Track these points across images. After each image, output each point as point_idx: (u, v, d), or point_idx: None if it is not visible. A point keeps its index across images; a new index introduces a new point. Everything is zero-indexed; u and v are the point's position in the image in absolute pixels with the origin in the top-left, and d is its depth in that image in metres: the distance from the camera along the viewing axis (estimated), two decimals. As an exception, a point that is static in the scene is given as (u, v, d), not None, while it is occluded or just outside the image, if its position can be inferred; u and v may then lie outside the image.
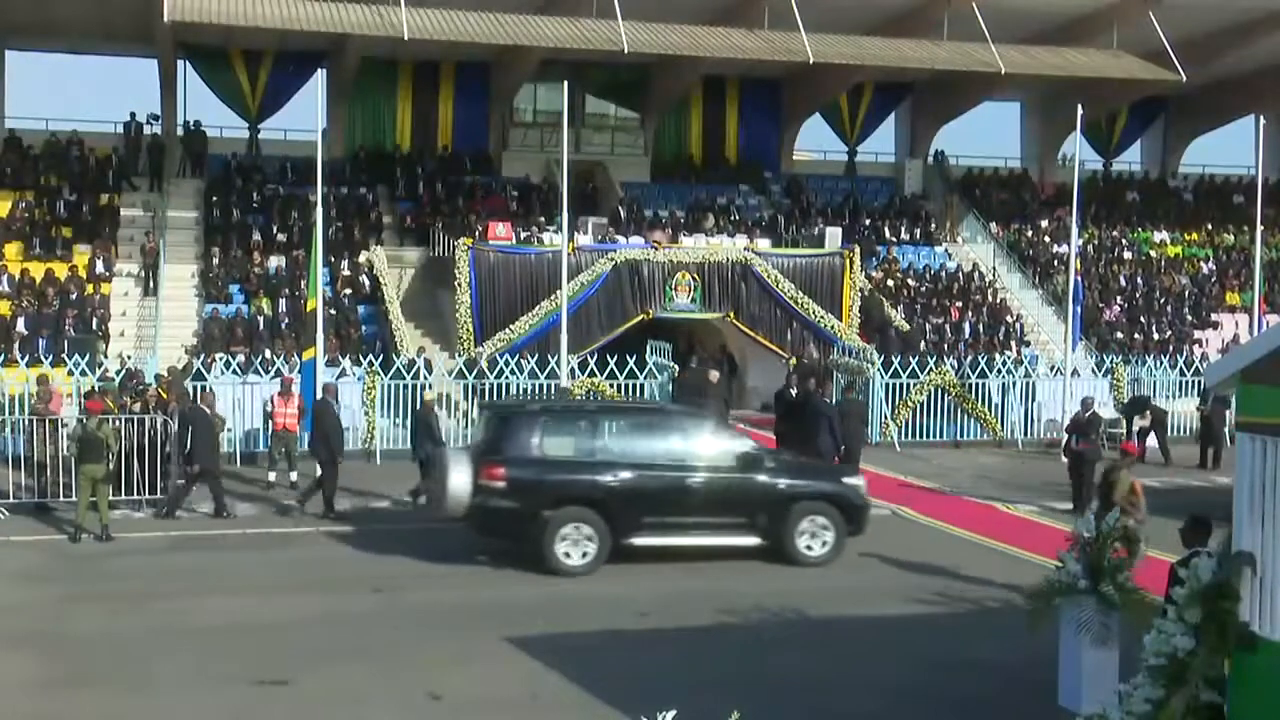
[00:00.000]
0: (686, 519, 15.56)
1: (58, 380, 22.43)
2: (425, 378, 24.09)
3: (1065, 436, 21.50)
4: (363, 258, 32.26)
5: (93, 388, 21.25)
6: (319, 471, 19.00)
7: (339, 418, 19.73)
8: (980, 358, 29.24)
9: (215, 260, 31.80)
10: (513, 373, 24.89)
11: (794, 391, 22.67)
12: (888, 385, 26.85)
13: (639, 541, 15.39)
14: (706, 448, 15.96)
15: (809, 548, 15.79)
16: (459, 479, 15.15)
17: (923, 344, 32.35)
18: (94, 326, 28.58)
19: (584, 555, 15.11)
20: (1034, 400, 27.83)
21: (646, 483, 15.43)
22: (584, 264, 29.17)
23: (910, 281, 35.89)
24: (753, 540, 15.73)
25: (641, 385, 25.55)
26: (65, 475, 18.03)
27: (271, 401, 21.54)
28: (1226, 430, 24.46)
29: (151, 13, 30.75)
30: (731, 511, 15.57)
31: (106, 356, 25.90)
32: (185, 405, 19.33)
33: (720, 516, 15.64)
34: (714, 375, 24.92)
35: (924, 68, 36.74)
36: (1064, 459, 21.88)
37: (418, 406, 21.57)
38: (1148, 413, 25.92)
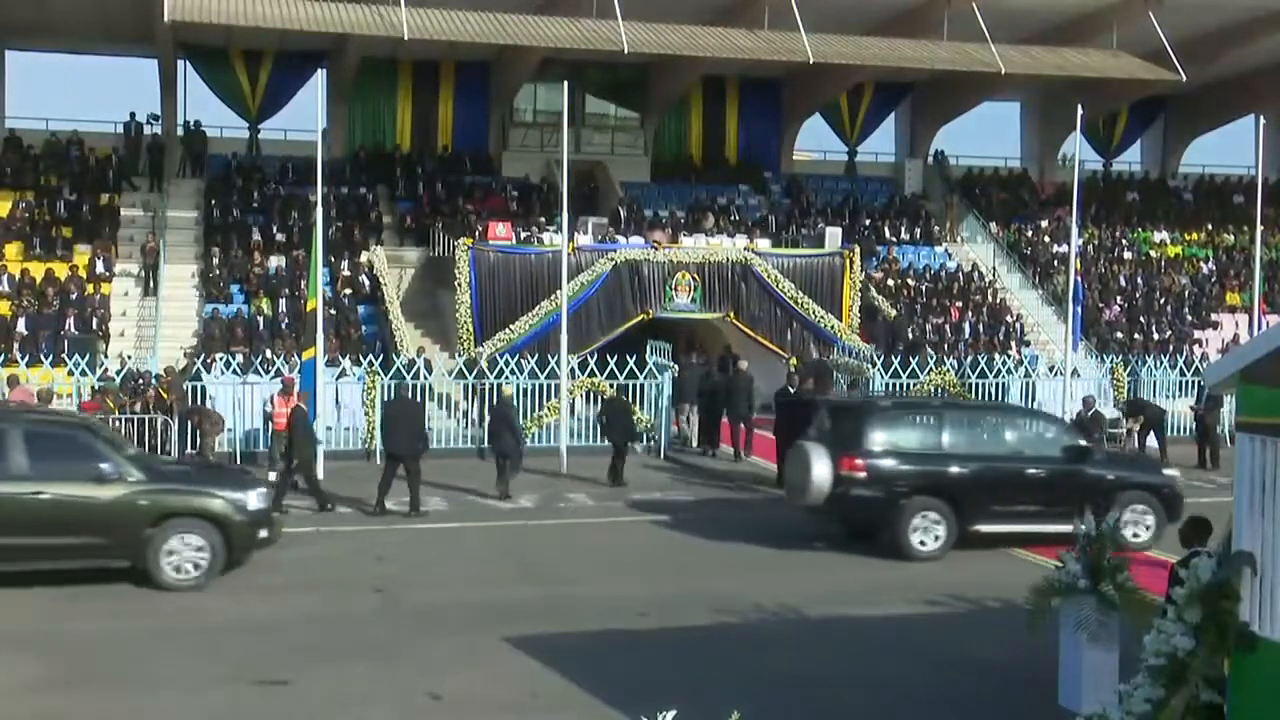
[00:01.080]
0: (1024, 508, 16.60)
1: (33, 380, 22.31)
2: (504, 374, 24.35)
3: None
4: (363, 258, 32.27)
5: (93, 388, 21.28)
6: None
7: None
8: (980, 358, 29.24)
9: (215, 260, 31.80)
10: (513, 373, 24.88)
11: (793, 390, 22.75)
12: (888, 385, 26.84)
13: (983, 529, 16.38)
14: (1040, 441, 17.13)
15: (1135, 535, 16.59)
16: (821, 470, 16.17)
17: (911, 331, 32.53)
18: (94, 326, 28.60)
19: (936, 540, 16.16)
20: (1034, 400, 27.82)
21: (989, 474, 16.53)
22: (584, 264, 29.17)
23: (910, 281, 35.89)
24: None
25: (641, 385, 25.55)
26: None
27: (272, 401, 21.55)
28: (1224, 430, 24.50)
29: (151, 13, 30.75)
30: (1063, 500, 16.02)
31: (106, 356, 25.92)
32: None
33: (1053, 505, 16.24)
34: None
35: (924, 68, 36.74)
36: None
37: (495, 401, 22.18)
38: (1141, 416, 25.92)
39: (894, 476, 16.23)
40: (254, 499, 14.77)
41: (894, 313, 32.68)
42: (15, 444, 13.86)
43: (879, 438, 16.43)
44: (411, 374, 24.37)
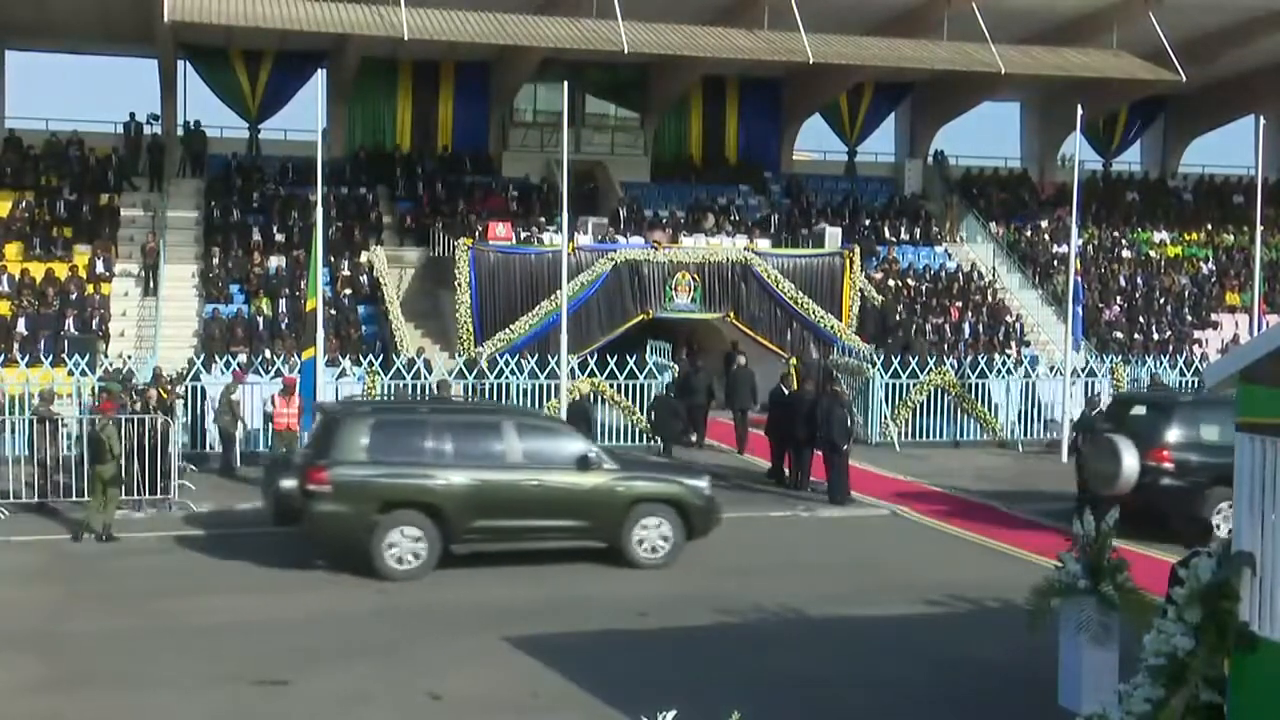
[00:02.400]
0: None
1: (33, 380, 22.33)
2: (576, 372, 24.55)
3: (1071, 435, 21.50)
4: (363, 258, 32.28)
5: (93, 388, 21.26)
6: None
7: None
8: (980, 358, 29.25)
9: (215, 260, 31.81)
10: (513, 373, 24.88)
11: (786, 391, 23.01)
12: (888, 385, 26.84)
13: None
14: None
15: None
16: (1131, 461, 16.99)
17: (899, 316, 32.80)
18: (94, 326, 28.61)
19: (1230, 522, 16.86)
20: (1034, 400, 27.83)
21: None
22: (584, 264, 29.17)
23: (910, 281, 35.90)
24: None
25: (642, 385, 25.55)
26: (65, 475, 18.08)
27: (272, 401, 21.55)
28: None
29: (151, 13, 30.76)
30: None
31: (107, 356, 25.90)
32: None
33: None
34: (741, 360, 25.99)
35: (924, 68, 36.75)
36: (1067, 459, 21.89)
37: (575, 399, 22.92)
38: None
39: (1199, 467, 17.04)
40: (708, 486, 16.18)
41: (880, 298, 32.80)
42: (511, 437, 15.37)
43: (1180, 431, 17.59)
44: (411, 374, 24.37)
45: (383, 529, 14.59)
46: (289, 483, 15.00)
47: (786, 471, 21.98)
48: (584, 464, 15.41)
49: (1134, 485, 17.03)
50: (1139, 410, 18.68)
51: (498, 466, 15.17)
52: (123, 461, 17.34)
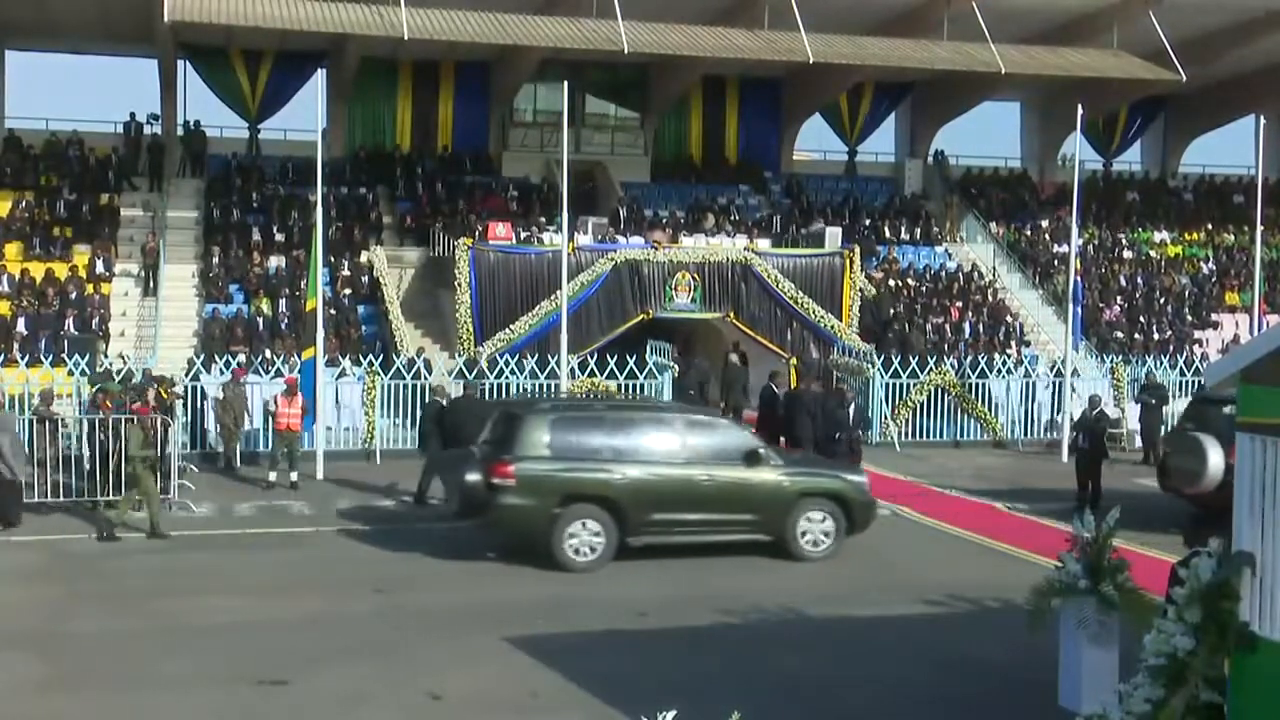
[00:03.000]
0: None
1: (33, 380, 22.37)
2: (504, 374, 24.57)
3: (1072, 435, 21.51)
4: (363, 258, 32.27)
5: (102, 387, 21.24)
6: None
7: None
8: (980, 358, 29.25)
9: (215, 260, 31.81)
10: (513, 373, 24.89)
11: (776, 390, 23.19)
12: (888, 385, 26.84)
13: None
14: None
15: None
16: (1217, 459, 16.93)
17: (891, 310, 32.90)
18: (94, 326, 28.61)
19: None
20: (1034, 400, 27.84)
21: None
22: (584, 264, 29.16)
23: (910, 281, 35.90)
24: None
25: (641, 385, 25.56)
26: (65, 475, 18.08)
27: (275, 401, 21.55)
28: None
29: (151, 13, 30.76)
30: None
31: (107, 356, 25.89)
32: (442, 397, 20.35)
33: None
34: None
35: (924, 68, 36.75)
36: (1067, 458, 21.86)
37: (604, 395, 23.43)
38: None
39: None
40: (868, 481, 16.80)
41: (873, 290, 32.85)
42: (684, 433, 15.96)
43: None
44: (411, 374, 24.38)
45: (563, 522, 15.13)
46: (474, 476, 15.30)
47: None
48: (752, 459, 15.89)
49: (1218, 484, 16.70)
50: (1225, 409, 18.52)
51: (671, 462, 15.71)
52: (121, 462, 17.36)
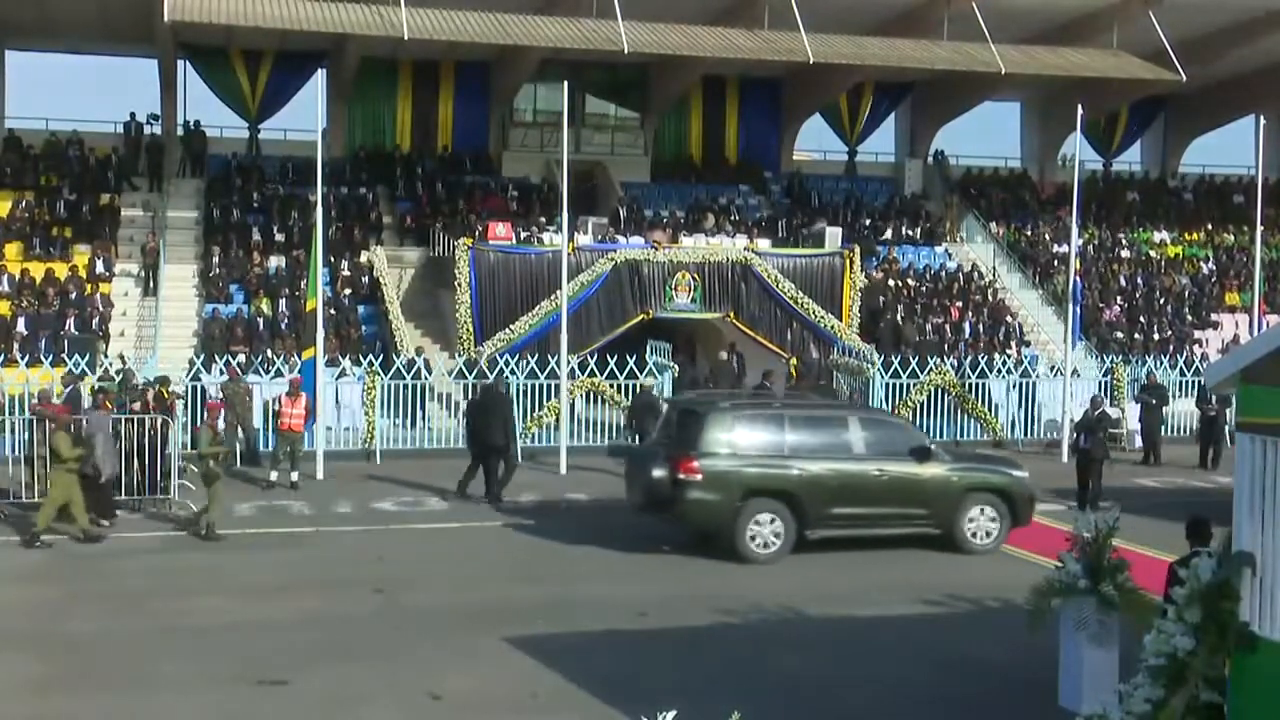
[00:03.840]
0: None
1: (33, 380, 22.41)
2: (504, 373, 24.52)
3: (1073, 435, 21.53)
4: (363, 258, 32.26)
5: (93, 388, 21.24)
6: None
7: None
8: (980, 358, 29.23)
9: (215, 260, 31.79)
10: (513, 373, 24.88)
11: (769, 385, 23.76)
12: (888, 385, 26.84)
13: None
14: None
15: None
16: None
17: (883, 300, 33.06)
18: (94, 326, 28.59)
19: None
20: (1034, 400, 27.84)
21: None
22: (584, 264, 29.15)
23: (910, 281, 35.89)
24: None
25: (642, 386, 25.54)
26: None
27: (278, 402, 21.57)
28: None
29: (151, 13, 30.75)
30: None
31: (107, 356, 25.89)
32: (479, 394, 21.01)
33: None
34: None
35: (924, 68, 36.73)
36: (1067, 458, 21.86)
37: (638, 391, 24.03)
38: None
39: None
40: (1029, 477, 17.31)
41: (867, 281, 32.99)
42: (857, 429, 16.47)
43: None
44: (411, 374, 24.37)
45: (746, 515, 15.71)
46: (660, 472, 15.75)
47: None
48: (923, 455, 16.42)
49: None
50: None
51: (846, 457, 16.24)
52: (121, 461, 17.37)
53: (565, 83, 26.45)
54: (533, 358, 25.41)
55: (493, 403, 20.29)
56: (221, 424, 22.71)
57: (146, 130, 36.86)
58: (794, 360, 28.81)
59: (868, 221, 38.61)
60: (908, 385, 26.87)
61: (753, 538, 15.80)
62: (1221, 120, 45.13)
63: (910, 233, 38.86)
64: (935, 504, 16.36)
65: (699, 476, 15.62)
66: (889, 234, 38.44)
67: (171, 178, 35.75)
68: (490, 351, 27.12)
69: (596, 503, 20.01)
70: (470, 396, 21.76)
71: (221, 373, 23.72)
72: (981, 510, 16.62)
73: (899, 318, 32.80)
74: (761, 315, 30.18)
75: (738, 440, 15.93)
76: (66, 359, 24.78)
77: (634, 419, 23.30)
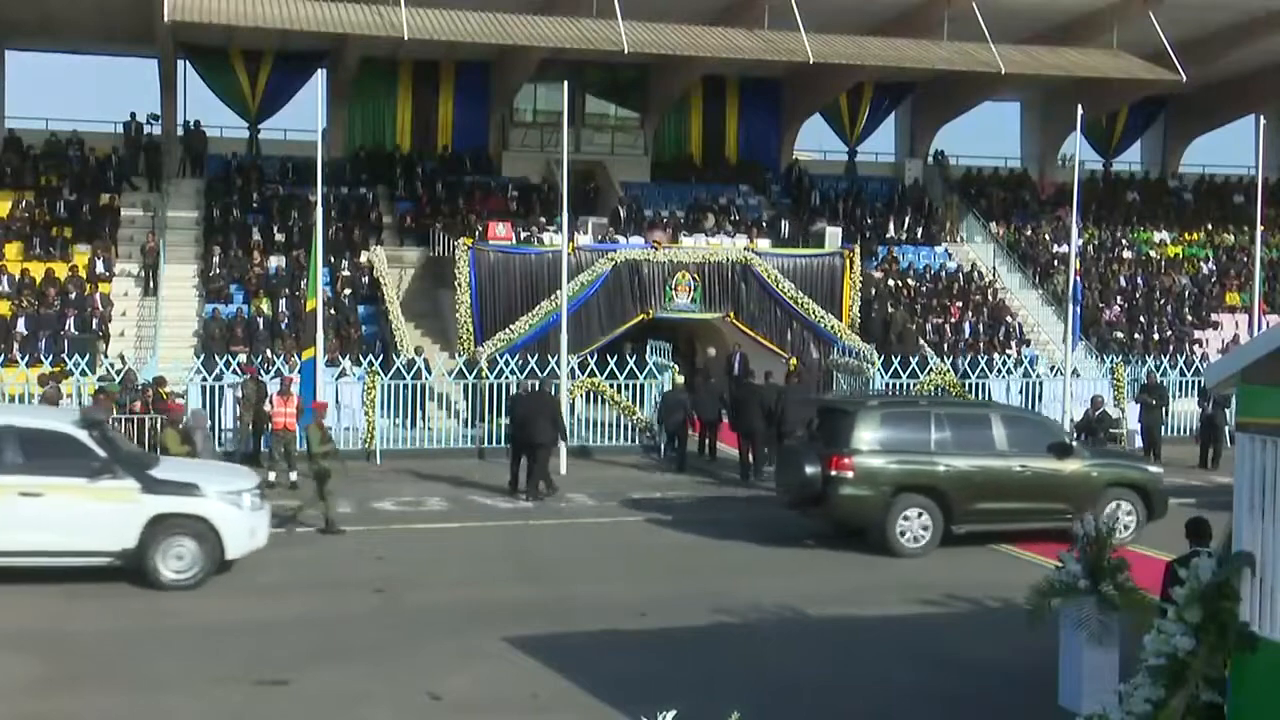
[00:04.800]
0: None
1: (32, 381, 22.46)
2: (504, 374, 24.93)
3: (1073, 435, 21.52)
4: (363, 258, 32.26)
5: (94, 388, 21.28)
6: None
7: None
8: (980, 358, 29.23)
9: (215, 260, 31.79)
10: (513, 373, 24.89)
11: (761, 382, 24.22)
12: (888, 385, 26.83)
13: None
14: None
15: None
16: None
17: (873, 290, 33.15)
18: (94, 326, 28.59)
19: None
20: (1034, 400, 27.81)
21: None
22: (584, 264, 29.16)
23: (910, 281, 35.89)
24: None
25: (641, 385, 25.56)
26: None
27: (271, 401, 21.57)
28: (1226, 428, 24.51)
29: (151, 13, 30.75)
30: None
31: (107, 356, 25.90)
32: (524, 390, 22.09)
33: None
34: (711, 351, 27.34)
35: (924, 68, 36.72)
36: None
37: (669, 388, 24.75)
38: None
39: None
40: (1164, 473, 18.25)
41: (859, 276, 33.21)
42: (1000, 427, 16.93)
43: None
44: (411, 374, 24.38)
45: (895, 510, 16.28)
46: (814, 469, 16.39)
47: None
48: (1063, 452, 17.00)
49: None
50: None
51: (991, 454, 16.74)
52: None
53: (565, 83, 26.45)
54: (533, 358, 25.42)
55: (543, 401, 20.93)
56: (236, 424, 22.88)
57: (146, 130, 36.87)
58: (793, 361, 28.79)
59: (869, 220, 38.58)
60: (908, 385, 26.87)
61: (902, 532, 16.33)
62: (1221, 120, 45.11)
63: (912, 224, 38.73)
64: (1075, 499, 16.51)
65: (851, 473, 16.25)
66: (890, 227, 38.39)
67: (171, 178, 35.75)
68: (490, 351, 27.12)
69: (599, 504, 20.07)
70: (516, 394, 22.61)
71: (236, 373, 23.75)
72: (1119, 505, 17.04)
73: (888, 305, 32.84)
74: (761, 315, 30.19)
75: (887, 438, 16.50)
76: (66, 359, 24.79)
77: (664, 416, 24.01)
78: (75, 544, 13.98)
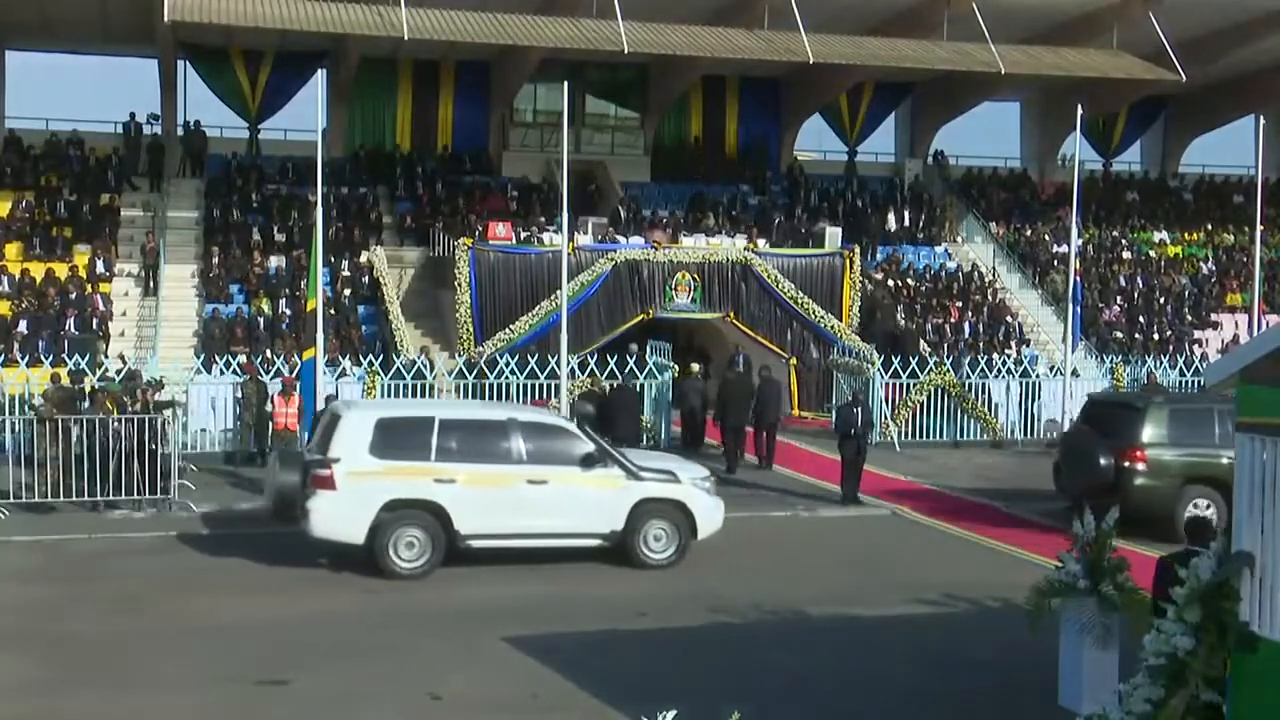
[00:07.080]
0: None
1: (33, 381, 22.50)
2: (504, 374, 25.11)
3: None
4: (363, 258, 32.26)
5: (93, 388, 21.25)
6: None
7: None
8: (980, 358, 29.23)
9: (215, 260, 31.79)
10: (513, 373, 24.89)
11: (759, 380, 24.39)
12: (888, 385, 26.83)
13: None
14: None
15: None
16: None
17: (868, 285, 33.19)
18: (94, 326, 28.59)
19: None
20: (1034, 400, 27.83)
21: None
22: (584, 264, 29.15)
23: (910, 281, 35.89)
24: None
25: (641, 385, 25.56)
26: (65, 475, 18.09)
27: (272, 401, 21.56)
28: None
29: (151, 13, 30.76)
30: None
31: (107, 356, 25.89)
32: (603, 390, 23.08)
33: None
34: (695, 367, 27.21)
35: (924, 68, 36.74)
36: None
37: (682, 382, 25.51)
38: None
39: None
40: None
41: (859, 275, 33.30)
42: (1220, 423, 17.16)
43: None
44: (412, 374, 24.38)
45: (1185, 500, 17.18)
46: (1106, 460, 17.35)
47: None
48: None
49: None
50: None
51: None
52: (121, 461, 17.37)
53: (565, 83, 26.42)
54: (533, 358, 25.42)
55: (628, 400, 21.66)
56: (237, 423, 22.89)
57: (146, 130, 36.86)
58: (794, 360, 28.82)
59: (869, 221, 38.58)
60: (908, 385, 26.88)
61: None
62: (1221, 120, 45.10)
63: (912, 224, 38.73)
64: None
65: (1144, 465, 17.35)
66: (891, 222, 38.38)
67: (171, 178, 35.75)
68: (490, 351, 27.12)
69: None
70: (603, 394, 23.47)
71: (236, 373, 23.75)
72: (1200, 503, 17.37)
73: (882, 299, 32.88)
74: (761, 315, 30.17)
75: (1171, 433, 17.54)
76: (67, 359, 24.78)
77: (678, 402, 25.25)
78: (573, 526, 15.29)
